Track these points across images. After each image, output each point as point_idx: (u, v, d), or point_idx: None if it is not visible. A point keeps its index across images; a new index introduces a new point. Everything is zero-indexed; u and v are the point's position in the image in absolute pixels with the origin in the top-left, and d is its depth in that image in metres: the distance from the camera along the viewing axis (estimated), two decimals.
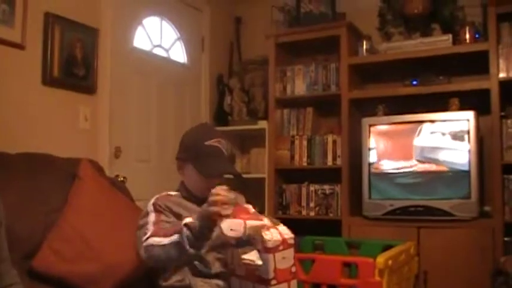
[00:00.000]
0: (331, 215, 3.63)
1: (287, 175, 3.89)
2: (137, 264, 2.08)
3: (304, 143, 3.77)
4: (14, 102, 2.58)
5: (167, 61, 3.80)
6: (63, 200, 2.18)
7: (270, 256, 1.60)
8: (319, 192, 3.69)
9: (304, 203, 3.73)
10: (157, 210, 1.92)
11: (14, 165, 2.15)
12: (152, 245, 1.81)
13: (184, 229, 1.72)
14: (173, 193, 2.07)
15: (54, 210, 2.12)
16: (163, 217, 1.91)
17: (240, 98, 4.16)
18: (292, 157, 3.80)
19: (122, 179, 3.04)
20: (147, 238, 1.83)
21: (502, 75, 3.15)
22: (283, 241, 1.64)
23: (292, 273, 1.66)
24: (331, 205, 3.64)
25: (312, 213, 3.69)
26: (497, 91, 3.13)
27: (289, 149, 3.81)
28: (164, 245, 1.77)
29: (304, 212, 3.72)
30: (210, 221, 1.68)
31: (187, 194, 2.05)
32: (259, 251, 1.61)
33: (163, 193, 2.04)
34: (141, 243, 1.84)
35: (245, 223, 1.61)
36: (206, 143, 2.02)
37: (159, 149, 3.56)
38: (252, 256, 1.63)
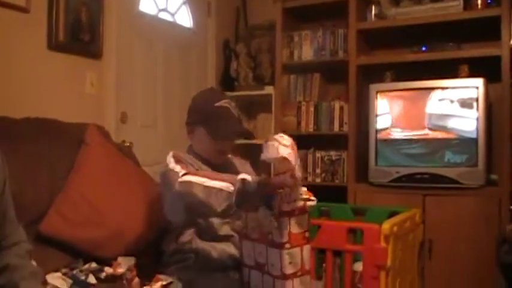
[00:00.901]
0: (337, 181, 3.63)
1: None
2: (144, 229, 2.10)
3: (311, 109, 3.74)
4: (19, 66, 2.56)
5: (173, 25, 3.75)
6: (70, 166, 2.19)
7: (285, 220, 1.61)
8: (326, 158, 3.69)
9: (310, 169, 3.74)
10: (178, 160, 1.86)
11: (20, 130, 2.15)
12: (191, 182, 1.69)
13: (240, 183, 1.62)
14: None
15: (60, 176, 2.13)
16: (185, 166, 1.84)
17: (246, 63, 4.12)
18: (299, 123, 3.78)
19: (128, 144, 3.04)
20: (184, 175, 1.73)
21: None
22: (302, 206, 1.64)
23: (305, 238, 1.67)
24: (337, 171, 3.64)
25: (318, 180, 3.70)
26: (508, 58, 3.07)
27: (295, 115, 3.79)
28: (207, 186, 1.65)
29: (310, 178, 3.72)
30: (268, 190, 1.60)
31: (197, 159, 2.06)
32: (274, 214, 1.62)
33: (177, 151, 1.99)
34: (177, 180, 1.73)
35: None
36: (216, 104, 2.02)
37: (165, 114, 3.55)
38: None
